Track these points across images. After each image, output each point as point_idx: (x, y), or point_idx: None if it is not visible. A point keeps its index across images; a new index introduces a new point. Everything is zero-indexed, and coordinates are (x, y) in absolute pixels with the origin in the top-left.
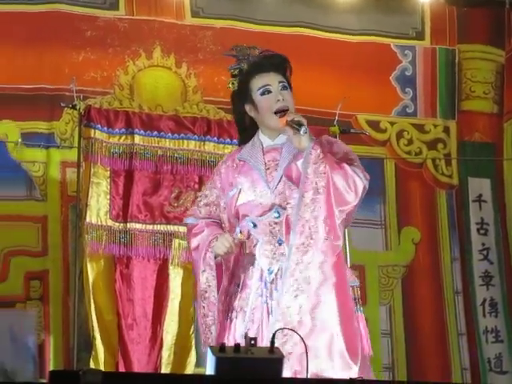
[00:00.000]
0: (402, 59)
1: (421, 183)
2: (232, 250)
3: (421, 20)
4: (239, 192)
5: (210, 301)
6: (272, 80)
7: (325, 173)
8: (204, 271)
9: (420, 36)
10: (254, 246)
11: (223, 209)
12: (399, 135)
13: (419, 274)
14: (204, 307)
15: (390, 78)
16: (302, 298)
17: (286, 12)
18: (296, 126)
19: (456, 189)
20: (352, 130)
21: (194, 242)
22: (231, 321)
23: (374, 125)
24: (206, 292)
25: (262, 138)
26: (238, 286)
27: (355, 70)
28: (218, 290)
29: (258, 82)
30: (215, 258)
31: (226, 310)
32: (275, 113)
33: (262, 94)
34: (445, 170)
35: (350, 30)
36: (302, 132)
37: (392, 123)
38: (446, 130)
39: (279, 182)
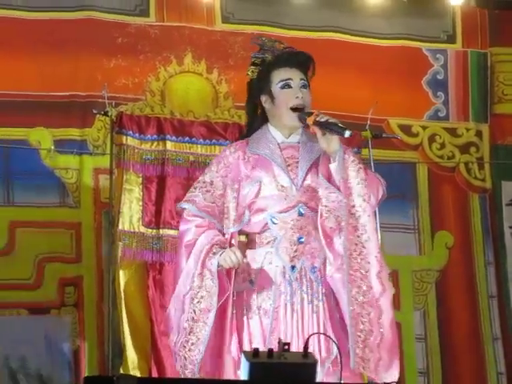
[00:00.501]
0: (433, 63)
1: (454, 187)
2: (238, 266)
3: (452, 23)
4: (259, 186)
5: (205, 307)
6: (294, 75)
7: (365, 180)
8: (201, 274)
9: (451, 39)
10: (269, 243)
11: (232, 198)
12: (431, 139)
13: (453, 279)
14: (195, 311)
15: (422, 81)
16: (368, 306)
17: (317, 17)
18: (336, 128)
19: (489, 193)
20: (384, 135)
21: (189, 236)
22: (248, 319)
23: (406, 129)
24: (202, 297)
25: (275, 134)
26: (251, 283)
27: (387, 75)
28: (220, 297)
29: (279, 75)
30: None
31: (239, 308)
32: (292, 109)
33: (282, 87)
34: (478, 174)
35: (381, 34)
36: (347, 135)
37: (424, 127)
38: (479, 133)
39: (304, 179)
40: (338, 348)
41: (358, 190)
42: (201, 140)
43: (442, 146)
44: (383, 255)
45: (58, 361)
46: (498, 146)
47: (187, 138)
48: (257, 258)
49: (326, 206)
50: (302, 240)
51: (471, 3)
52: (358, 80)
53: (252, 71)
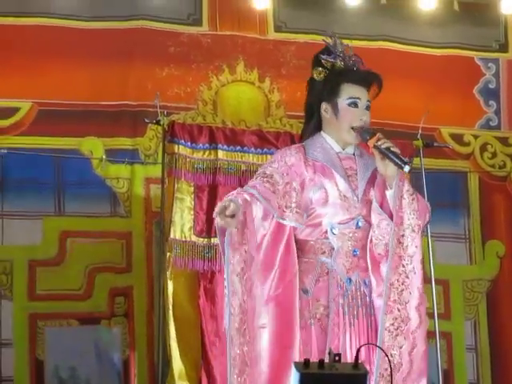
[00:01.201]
0: (485, 72)
1: (505, 196)
2: (220, 219)
3: (504, 32)
4: (325, 192)
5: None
6: (362, 96)
7: (417, 211)
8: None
9: (503, 48)
10: (324, 252)
11: (295, 194)
12: (483, 148)
13: (504, 288)
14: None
15: (474, 90)
16: (401, 338)
17: (369, 25)
18: (396, 159)
19: None
20: (435, 144)
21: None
22: (301, 329)
23: (458, 138)
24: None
25: (332, 143)
26: (306, 293)
27: (438, 83)
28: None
29: (349, 91)
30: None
31: (301, 318)
32: (352, 128)
33: (349, 104)
34: None
35: (433, 43)
36: (406, 170)
37: (475, 136)
38: None
39: (364, 192)
40: (390, 363)
41: (410, 220)
42: (252, 149)
43: (494, 155)
44: (433, 264)
45: (107, 370)
46: None
47: (239, 147)
48: (311, 268)
49: (376, 232)
50: (357, 253)
51: None
52: (409, 89)
53: (318, 72)
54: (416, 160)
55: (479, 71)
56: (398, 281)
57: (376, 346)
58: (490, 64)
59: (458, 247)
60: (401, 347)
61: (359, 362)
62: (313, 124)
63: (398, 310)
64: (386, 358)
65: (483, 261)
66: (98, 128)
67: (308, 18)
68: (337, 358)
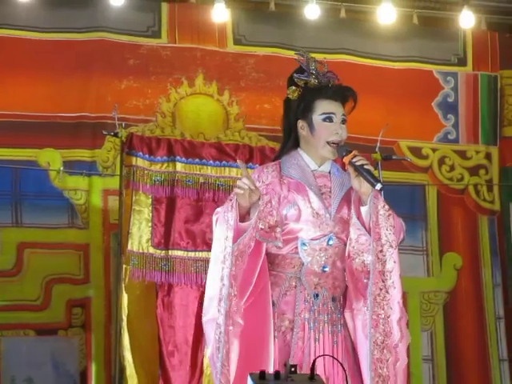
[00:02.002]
0: (444, 85)
1: (463, 209)
2: (253, 185)
3: (463, 46)
4: (298, 210)
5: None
6: (337, 110)
7: (394, 227)
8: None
9: (462, 62)
10: (294, 267)
11: (267, 214)
12: (441, 161)
13: (461, 300)
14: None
15: (432, 104)
16: (387, 351)
17: (329, 39)
18: (369, 177)
19: (498, 214)
20: (394, 157)
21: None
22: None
23: (416, 151)
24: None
25: (308, 161)
26: (273, 306)
27: (397, 97)
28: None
29: (323, 107)
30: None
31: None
32: (328, 143)
33: (324, 119)
34: (487, 196)
35: (393, 57)
36: (377, 188)
37: (434, 149)
38: (488, 156)
39: (337, 210)
40: (346, 374)
41: (387, 236)
42: (211, 161)
43: (452, 168)
44: None
45: (64, 382)
46: (507, 169)
47: (197, 160)
48: (279, 281)
49: (354, 248)
50: (326, 269)
51: (482, 26)
52: (368, 102)
53: (293, 91)
54: (374, 173)
55: (438, 85)
56: (379, 296)
57: (334, 358)
58: (448, 78)
59: (416, 259)
60: (387, 360)
61: (315, 373)
62: (291, 142)
63: (382, 325)
64: (377, 371)
65: (440, 273)
66: (56, 140)
67: (267, 31)
68: (293, 370)
